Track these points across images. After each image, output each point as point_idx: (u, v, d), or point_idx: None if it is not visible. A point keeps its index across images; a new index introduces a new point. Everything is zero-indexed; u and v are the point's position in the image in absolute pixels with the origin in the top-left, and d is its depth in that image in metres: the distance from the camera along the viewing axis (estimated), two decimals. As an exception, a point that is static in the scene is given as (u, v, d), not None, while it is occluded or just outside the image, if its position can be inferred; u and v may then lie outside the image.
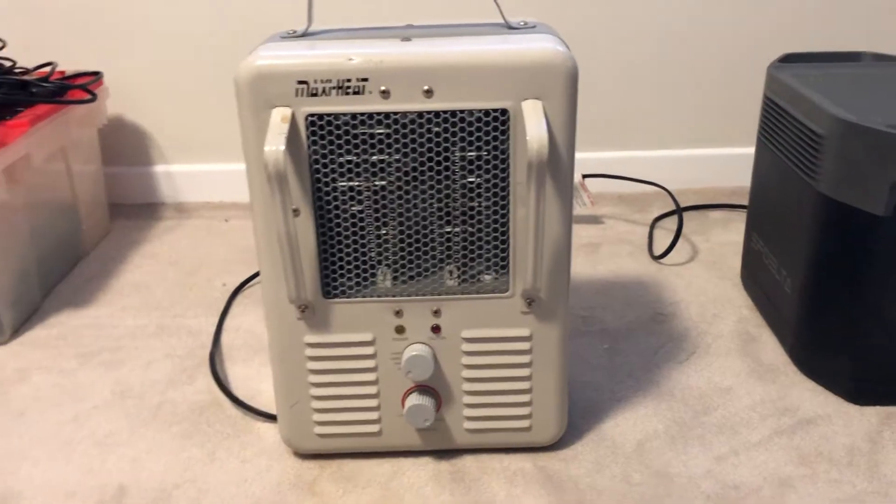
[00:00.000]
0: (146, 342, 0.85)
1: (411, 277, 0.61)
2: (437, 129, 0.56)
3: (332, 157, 0.57)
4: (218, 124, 1.21)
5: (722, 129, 1.21)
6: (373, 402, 0.64)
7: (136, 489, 0.64)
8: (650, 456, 0.66)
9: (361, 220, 0.59)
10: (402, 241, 0.60)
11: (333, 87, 0.55)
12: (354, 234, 0.59)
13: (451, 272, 0.61)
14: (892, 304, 0.67)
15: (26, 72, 1.02)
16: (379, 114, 0.55)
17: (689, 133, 1.22)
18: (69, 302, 0.94)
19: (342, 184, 0.58)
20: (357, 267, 0.60)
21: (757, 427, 0.69)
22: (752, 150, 0.89)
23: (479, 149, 0.57)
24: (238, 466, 0.66)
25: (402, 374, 0.62)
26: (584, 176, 1.14)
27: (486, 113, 0.56)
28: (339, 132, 0.56)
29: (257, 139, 0.55)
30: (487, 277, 0.61)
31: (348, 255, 0.60)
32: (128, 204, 1.24)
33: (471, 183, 0.58)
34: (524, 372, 0.63)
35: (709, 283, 0.94)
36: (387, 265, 0.61)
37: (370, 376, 0.63)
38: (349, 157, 0.57)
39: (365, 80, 0.54)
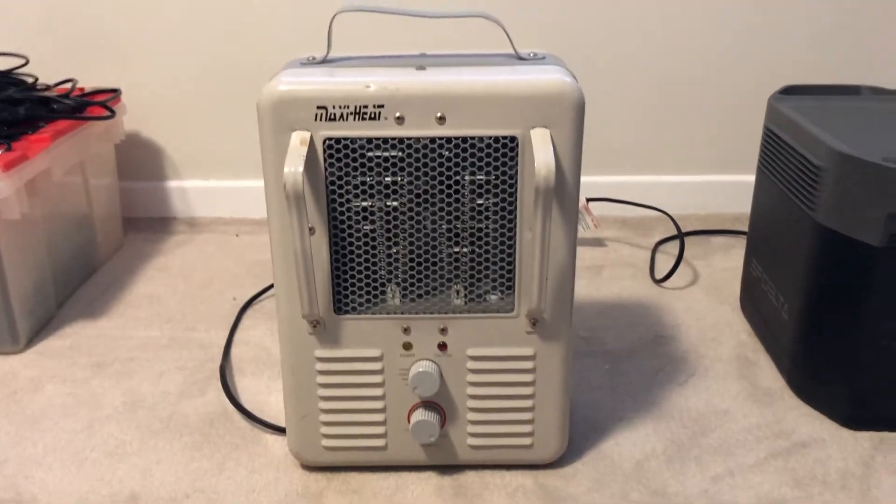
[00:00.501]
0: (158, 354, 0.87)
1: (419, 296, 0.63)
2: (448, 153, 0.59)
3: (348, 178, 0.59)
4: (230, 142, 1.24)
5: (725, 156, 1.24)
6: (379, 417, 0.66)
7: (146, 498, 0.66)
8: (648, 475, 0.68)
9: (373, 239, 0.61)
10: (411, 260, 0.62)
11: (351, 113, 0.57)
12: (366, 252, 0.61)
13: (457, 291, 0.63)
14: (887, 333, 0.69)
15: (47, 88, 1.05)
16: (394, 138, 0.58)
17: (693, 159, 1.24)
18: (83, 313, 0.96)
19: (356, 204, 0.60)
20: (368, 284, 0.62)
21: (753, 449, 0.71)
22: (753, 177, 0.91)
23: (488, 173, 0.59)
24: (247, 477, 0.68)
25: (409, 389, 0.64)
26: (588, 199, 1.16)
27: (496, 140, 0.58)
28: (355, 155, 0.58)
29: (277, 161, 0.58)
30: (493, 297, 0.63)
31: (360, 272, 0.62)
32: (141, 218, 1.26)
33: (479, 205, 0.60)
34: (527, 391, 0.65)
35: (709, 307, 0.96)
36: (396, 283, 0.63)
37: (378, 391, 0.65)
38: (363, 179, 0.59)
39: (381, 106, 0.57)
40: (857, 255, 0.68)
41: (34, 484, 0.68)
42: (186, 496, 0.66)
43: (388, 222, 0.61)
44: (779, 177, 0.81)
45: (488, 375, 0.64)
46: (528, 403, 0.65)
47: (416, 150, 0.58)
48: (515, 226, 0.60)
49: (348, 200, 0.60)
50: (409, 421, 0.66)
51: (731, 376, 0.82)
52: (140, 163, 1.26)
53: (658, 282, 1.03)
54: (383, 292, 0.63)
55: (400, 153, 0.58)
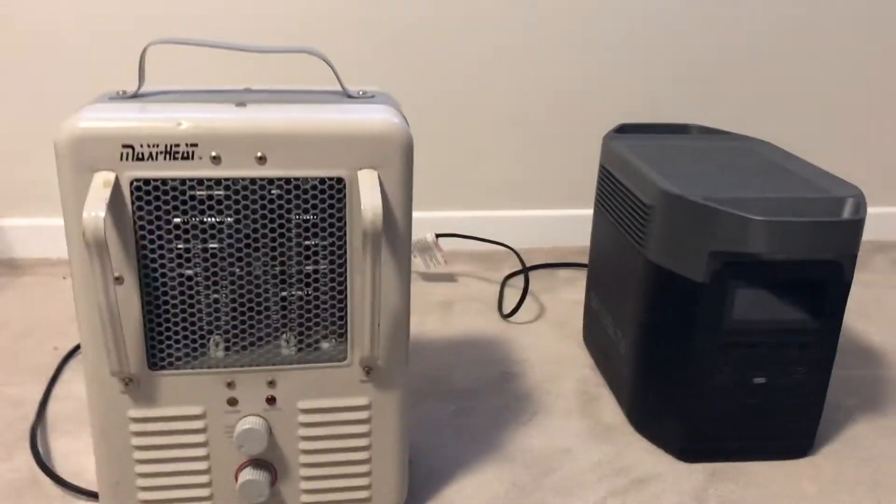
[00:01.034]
0: (-41, 415, 0.78)
1: (245, 347, 0.59)
2: (271, 194, 0.55)
3: (160, 221, 0.55)
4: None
5: (569, 191, 1.26)
6: (204, 479, 0.61)
7: (-69, 585, 0.58)
8: (491, 521, 0.66)
9: (192, 285, 0.57)
10: (236, 307, 0.58)
11: (161, 152, 0.53)
12: (184, 300, 0.57)
13: (287, 340, 0.60)
14: (713, 368, 0.71)
15: None
16: (209, 179, 0.54)
17: (538, 194, 1.26)
18: None
19: (172, 248, 0.55)
20: (186, 336, 0.58)
21: (593, 488, 0.71)
22: (592, 213, 0.93)
23: (315, 215, 0.56)
24: (53, 553, 0.61)
25: (236, 447, 0.60)
26: (438, 235, 1.15)
27: (322, 181, 0.55)
28: (168, 197, 0.54)
29: (77, 204, 0.53)
30: (325, 345, 0.60)
31: (177, 323, 0.57)
32: (-50, 260, 1.15)
33: (308, 247, 0.57)
34: (363, 442, 0.62)
35: (553, 341, 0.97)
36: (219, 334, 0.58)
37: (201, 451, 0.60)
38: (179, 221, 0.55)
39: (195, 145, 0.53)
40: (683, 291, 0.70)
41: None
42: (-20, 580, 0.59)
43: (208, 267, 0.57)
44: (613, 213, 0.82)
45: (321, 429, 0.61)
46: (364, 455, 0.62)
47: (236, 191, 0.55)
48: (346, 269, 0.58)
49: (161, 246, 0.55)
50: (236, 481, 0.61)
51: (573, 413, 0.82)
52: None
53: (505, 317, 1.03)
54: (204, 344, 0.58)
55: (220, 193, 0.55)
